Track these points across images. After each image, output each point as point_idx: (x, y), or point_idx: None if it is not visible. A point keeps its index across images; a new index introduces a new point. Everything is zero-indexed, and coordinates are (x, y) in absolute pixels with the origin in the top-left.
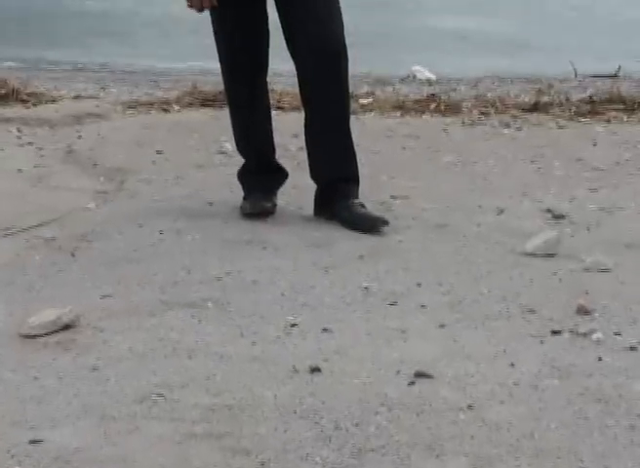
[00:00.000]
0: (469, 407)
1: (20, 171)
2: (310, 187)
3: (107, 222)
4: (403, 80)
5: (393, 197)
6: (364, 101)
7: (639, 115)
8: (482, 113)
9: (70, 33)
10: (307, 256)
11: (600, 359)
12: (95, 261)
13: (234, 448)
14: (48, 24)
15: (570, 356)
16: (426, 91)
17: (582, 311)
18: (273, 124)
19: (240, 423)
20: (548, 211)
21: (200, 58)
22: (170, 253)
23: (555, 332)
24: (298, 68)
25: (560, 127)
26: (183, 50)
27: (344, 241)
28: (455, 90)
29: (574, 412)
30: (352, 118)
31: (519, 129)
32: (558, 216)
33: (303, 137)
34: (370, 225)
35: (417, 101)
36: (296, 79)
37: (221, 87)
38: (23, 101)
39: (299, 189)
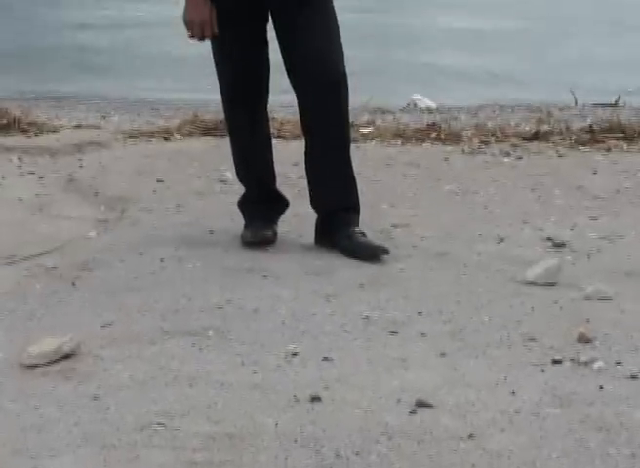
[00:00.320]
0: (470, 435)
1: (20, 200)
2: (311, 215)
3: (108, 251)
4: (403, 109)
5: (394, 225)
6: (364, 130)
7: (639, 144)
8: (482, 142)
9: (70, 65)
10: (308, 285)
11: (601, 387)
12: (95, 290)
13: None
14: (48, 57)
15: (571, 384)
16: (427, 119)
17: (583, 339)
18: (274, 152)
19: (241, 452)
20: (549, 239)
21: (201, 88)
22: (171, 282)
23: (556, 361)
24: (298, 97)
25: (560, 155)
26: (185, 80)
27: (345, 269)
28: (455, 118)
29: (575, 441)
30: (353, 146)
31: (519, 157)
32: (559, 245)
33: (304, 166)
34: (370, 254)
35: (417, 130)
36: (296, 108)
37: (222, 116)
38: (24, 131)
39: (299, 217)
